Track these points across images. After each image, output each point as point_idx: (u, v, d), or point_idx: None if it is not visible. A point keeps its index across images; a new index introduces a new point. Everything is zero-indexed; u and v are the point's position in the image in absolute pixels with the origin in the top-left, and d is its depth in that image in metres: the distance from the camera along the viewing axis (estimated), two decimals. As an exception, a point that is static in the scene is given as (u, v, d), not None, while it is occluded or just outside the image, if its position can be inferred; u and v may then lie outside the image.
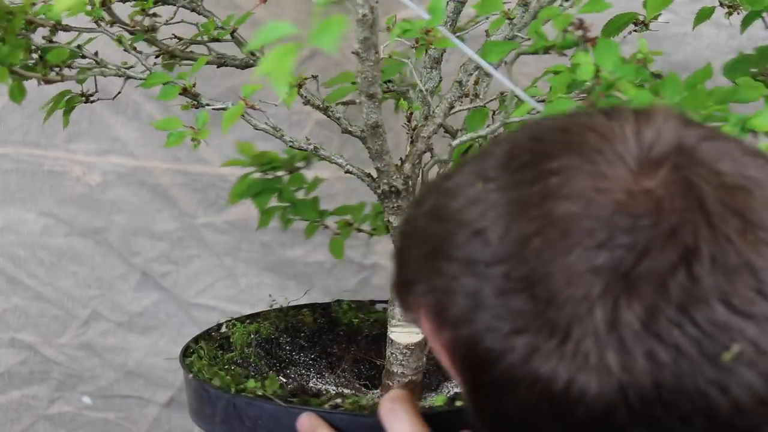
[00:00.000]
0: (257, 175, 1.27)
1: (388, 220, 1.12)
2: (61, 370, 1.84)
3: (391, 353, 1.18)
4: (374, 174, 1.12)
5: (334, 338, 1.32)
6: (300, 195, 1.30)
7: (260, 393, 1.11)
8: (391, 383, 1.18)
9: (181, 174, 1.75)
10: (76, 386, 1.84)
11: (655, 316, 0.67)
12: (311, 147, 1.14)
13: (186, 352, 1.21)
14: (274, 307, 1.37)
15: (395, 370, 1.18)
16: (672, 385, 0.67)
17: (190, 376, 1.15)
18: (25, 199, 1.78)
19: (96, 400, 1.85)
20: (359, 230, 1.31)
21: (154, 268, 1.78)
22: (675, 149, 0.71)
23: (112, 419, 1.85)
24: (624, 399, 0.68)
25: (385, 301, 1.34)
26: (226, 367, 1.19)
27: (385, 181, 1.11)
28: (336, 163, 1.15)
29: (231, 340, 1.26)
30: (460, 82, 1.14)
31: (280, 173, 1.29)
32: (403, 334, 1.17)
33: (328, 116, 1.15)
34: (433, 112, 1.14)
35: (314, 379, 1.24)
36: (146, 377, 1.84)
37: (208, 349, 1.23)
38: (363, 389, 1.22)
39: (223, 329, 1.28)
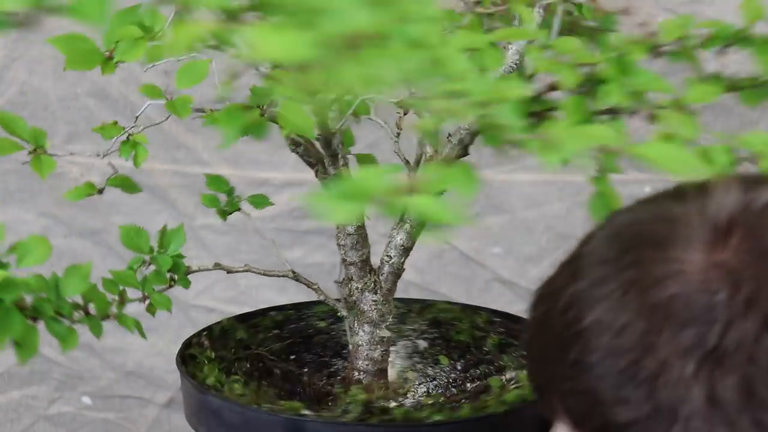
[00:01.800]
0: None
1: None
2: (61, 370, 1.84)
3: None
4: None
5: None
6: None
7: (245, 398, 1.11)
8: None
9: (180, 175, 1.75)
10: (76, 386, 1.84)
11: (752, 384, 0.69)
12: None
13: (183, 354, 1.21)
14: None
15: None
16: None
17: (185, 377, 1.15)
18: (24, 200, 1.78)
19: (96, 400, 1.85)
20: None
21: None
22: (741, 216, 0.72)
23: (112, 419, 1.86)
24: None
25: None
26: (217, 369, 1.18)
27: None
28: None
29: (224, 341, 1.25)
30: None
31: None
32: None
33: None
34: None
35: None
36: (146, 378, 1.84)
37: (203, 350, 1.22)
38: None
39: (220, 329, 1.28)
